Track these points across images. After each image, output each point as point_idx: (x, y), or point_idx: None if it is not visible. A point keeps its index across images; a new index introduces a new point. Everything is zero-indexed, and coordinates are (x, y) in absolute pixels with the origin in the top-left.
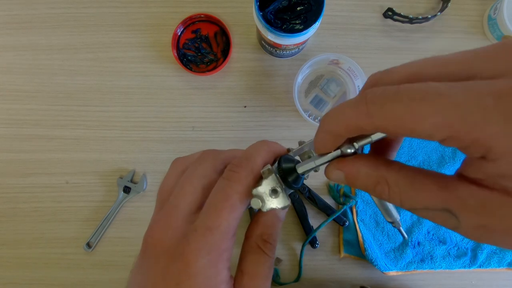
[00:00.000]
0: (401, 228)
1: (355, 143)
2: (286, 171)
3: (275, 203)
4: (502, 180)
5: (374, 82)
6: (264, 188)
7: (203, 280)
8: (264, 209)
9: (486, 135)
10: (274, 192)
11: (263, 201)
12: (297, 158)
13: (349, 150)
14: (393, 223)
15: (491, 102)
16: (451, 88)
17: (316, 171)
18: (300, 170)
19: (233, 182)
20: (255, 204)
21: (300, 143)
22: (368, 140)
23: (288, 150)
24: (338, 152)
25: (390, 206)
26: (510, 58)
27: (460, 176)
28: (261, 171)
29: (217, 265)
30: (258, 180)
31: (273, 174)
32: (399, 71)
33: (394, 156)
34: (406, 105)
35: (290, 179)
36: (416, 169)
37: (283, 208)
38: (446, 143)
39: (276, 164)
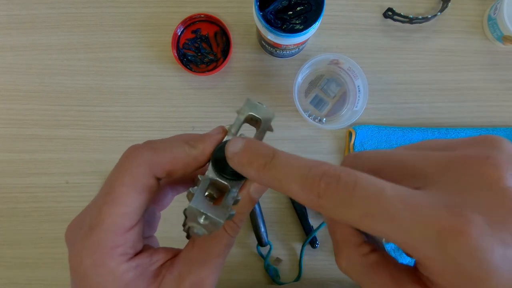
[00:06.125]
0: None
1: None
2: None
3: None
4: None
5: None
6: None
7: (92, 281)
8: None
9: (421, 255)
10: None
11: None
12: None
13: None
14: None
15: (432, 231)
16: (401, 201)
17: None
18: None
19: (118, 172)
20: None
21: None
22: None
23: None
24: None
25: None
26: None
27: (416, 271)
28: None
29: (106, 263)
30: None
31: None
32: (366, 160)
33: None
34: (357, 208)
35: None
36: (383, 254)
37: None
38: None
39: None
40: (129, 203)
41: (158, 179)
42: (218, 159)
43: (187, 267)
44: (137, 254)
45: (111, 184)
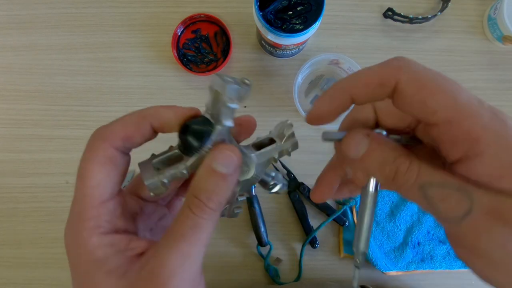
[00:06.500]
0: (358, 264)
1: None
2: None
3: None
4: (497, 182)
5: None
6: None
7: (70, 254)
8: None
9: (475, 124)
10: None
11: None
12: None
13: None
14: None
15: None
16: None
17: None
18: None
19: (83, 154)
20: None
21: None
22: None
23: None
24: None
25: (364, 233)
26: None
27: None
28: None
29: (80, 234)
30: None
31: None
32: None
33: None
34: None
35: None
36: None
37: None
38: (440, 129)
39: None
40: (94, 175)
41: (123, 152)
42: (182, 129)
43: (152, 251)
44: (116, 233)
45: (79, 165)
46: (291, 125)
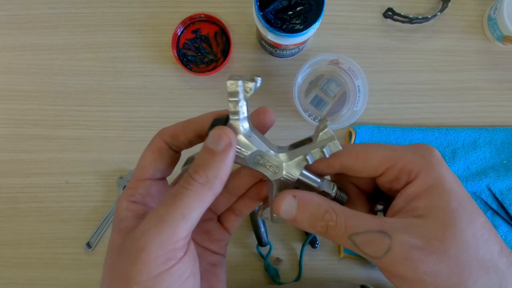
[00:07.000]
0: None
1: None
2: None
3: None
4: (414, 202)
5: None
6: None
7: (115, 214)
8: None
9: (406, 161)
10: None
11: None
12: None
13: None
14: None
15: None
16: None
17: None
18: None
19: (151, 140)
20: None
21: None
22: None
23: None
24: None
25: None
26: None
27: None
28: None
29: (123, 201)
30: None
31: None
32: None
33: None
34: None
35: None
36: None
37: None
38: (385, 176)
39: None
40: (144, 158)
41: (171, 147)
42: (212, 125)
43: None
44: (142, 205)
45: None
46: (326, 124)
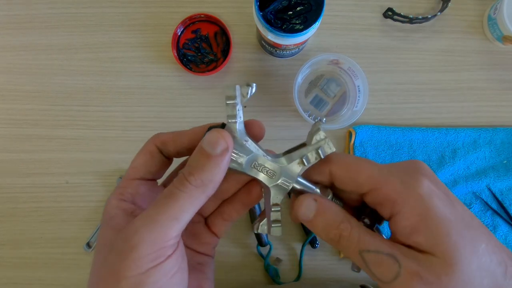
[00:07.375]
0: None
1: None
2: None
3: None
4: (414, 237)
5: None
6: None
7: (105, 212)
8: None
9: (390, 190)
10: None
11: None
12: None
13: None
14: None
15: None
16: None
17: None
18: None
19: (145, 143)
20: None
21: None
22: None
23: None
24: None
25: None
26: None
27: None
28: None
29: (112, 199)
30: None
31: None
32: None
33: None
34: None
35: None
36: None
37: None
38: (370, 197)
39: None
40: (136, 160)
41: (162, 152)
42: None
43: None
44: (132, 204)
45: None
46: (319, 127)
